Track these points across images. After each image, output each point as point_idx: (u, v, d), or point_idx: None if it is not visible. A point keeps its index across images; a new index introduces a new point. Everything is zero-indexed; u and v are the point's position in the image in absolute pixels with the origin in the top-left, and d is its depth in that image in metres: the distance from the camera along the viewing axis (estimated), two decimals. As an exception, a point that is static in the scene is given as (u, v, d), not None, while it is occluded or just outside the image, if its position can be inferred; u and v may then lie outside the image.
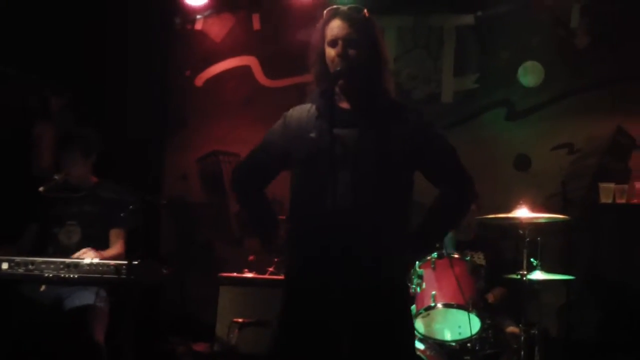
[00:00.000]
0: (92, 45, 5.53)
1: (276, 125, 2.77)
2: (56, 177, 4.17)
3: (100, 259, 3.99)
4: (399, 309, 2.65)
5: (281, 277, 4.94)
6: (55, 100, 5.47)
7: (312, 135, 2.61)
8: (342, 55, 2.57)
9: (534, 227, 4.14)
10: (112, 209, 4.28)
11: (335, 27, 2.59)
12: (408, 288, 2.71)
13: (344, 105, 2.66)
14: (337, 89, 2.61)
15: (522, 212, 4.12)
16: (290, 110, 2.76)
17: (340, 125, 2.52)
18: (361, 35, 2.58)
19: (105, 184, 4.36)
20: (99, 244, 4.08)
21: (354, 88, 2.63)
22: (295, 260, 2.69)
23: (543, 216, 4.17)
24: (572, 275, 4.32)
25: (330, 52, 2.60)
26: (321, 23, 2.64)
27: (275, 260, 5.07)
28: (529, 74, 5.51)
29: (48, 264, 3.86)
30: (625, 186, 4.95)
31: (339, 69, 2.56)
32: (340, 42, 2.58)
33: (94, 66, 5.54)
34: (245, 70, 6.14)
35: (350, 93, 2.65)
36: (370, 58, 2.61)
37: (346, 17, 2.59)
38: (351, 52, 2.57)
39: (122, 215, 4.09)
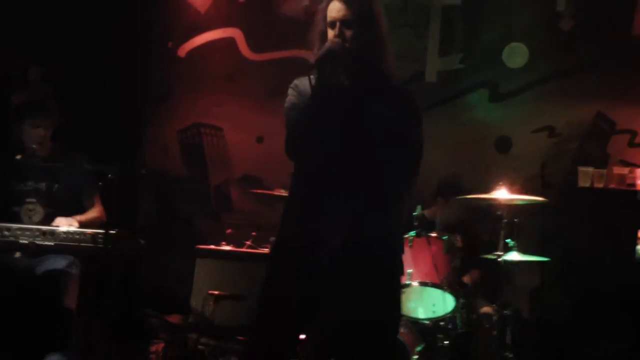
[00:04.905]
0: (72, 15, 5.45)
1: (290, 96, 2.76)
2: (34, 146, 4.14)
3: (79, 222, 3.98)
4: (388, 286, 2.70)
5: (258, 250, 4.96)
6: (34, 70, 5.41)
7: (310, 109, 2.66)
8: (338, 36, 2.65)
9: (512, 208, 4.18)
10: (80, 179, 4.25)
11: (333, 9, 2.67)
12: (400, 268, 2.76)
13: (338, 83, 2.69)
14: (332, 67, 2.64)
15: (501, 193, 4.15)
16: (295, 80, 2.78)
17: (331, 103, 2.61)
18: (357, 16, 2.65)
19: (64, 153, 4.31)
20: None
21: (349, 67, 2.67)
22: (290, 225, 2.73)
23: (521, 198, 4.20)
24: (547, 257, 4.36)
25: (330, 33, 2.69)
26: (323, 4, 2.72)
27: (253, 234, 5.07)
28: (514, 55, 5.51)
29: (24, 231, 3.86)
30: (604, 171, 4.99)
31: (332, 47, 2.63)
32: (337, 24, 2.66)
33: (73, 36, 5.46)
34: (229, 42, 6.07)
35: (346, 72, 2.69)
36: (368, 38, 2.67)
37: None
38: (348, 32, 2.65)
39: (100, 183, 4.07)
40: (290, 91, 2.76)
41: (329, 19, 2.68)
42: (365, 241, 2.60)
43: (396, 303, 2.73)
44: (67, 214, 4.13)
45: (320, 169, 2.65)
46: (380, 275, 2.64)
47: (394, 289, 2.72)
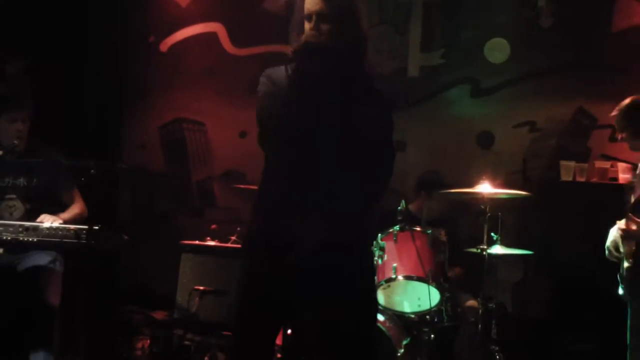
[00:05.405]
0: (53, 8, 5.39)
1: (262, 85, 2.70)
2: (15, 142, 4.08)
3: (63, 220, 3.94)
4: (364, 281, 2.68)
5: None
6: (11, 63, 5.34)
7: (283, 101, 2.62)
8: (314, 30, 2.61)
9: (495, 202, 4.21)
10: (58, 174, 4.20)
11: (310, 1, 2.62)
12: (372, 260, 2.72)
13: (314, 77, 2.63)
14: (309, 61, 2.60)
15: (484, 188, 4.18)
16: (268, 70, 2.72)
17: (307, 95, 2.57)
18: (334, 9, 2.60)
19: (41, 147, 4.25)
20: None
21: (326, 60, 2.61)
22: (260, 222, 2.70)
23: (504, 192, 4.24)
24: (530, 251, 4.40)
25: (307, 25, 2.64)
26: None
27: (238, 229, 5.06)
28: (495, 51, 5.54)
29: (6, 227, 3.80)
30: (586, 165, 5.03)
31: (310, 40, 2.59)
32: (314, 17, 2.61)
33: (53, 29, 5.40)
34: (211, 37, 6.05)
35: (323, 65, 2.63)
36: (345, 32, 2.62)
37: None
38: (324, 26, 2.60)
39: (82, 179, 4.02)
40: (262, 80, 2.69)
41: (305, 11, 2.64)
42: (340, 239, 2.56)
43: (373, 300, 2.72)
44: (47, 209, 4.08)
45: (293, 163, 2.59)
46: (356, 274, 2.61)
47: (370, 287, 2.72)
